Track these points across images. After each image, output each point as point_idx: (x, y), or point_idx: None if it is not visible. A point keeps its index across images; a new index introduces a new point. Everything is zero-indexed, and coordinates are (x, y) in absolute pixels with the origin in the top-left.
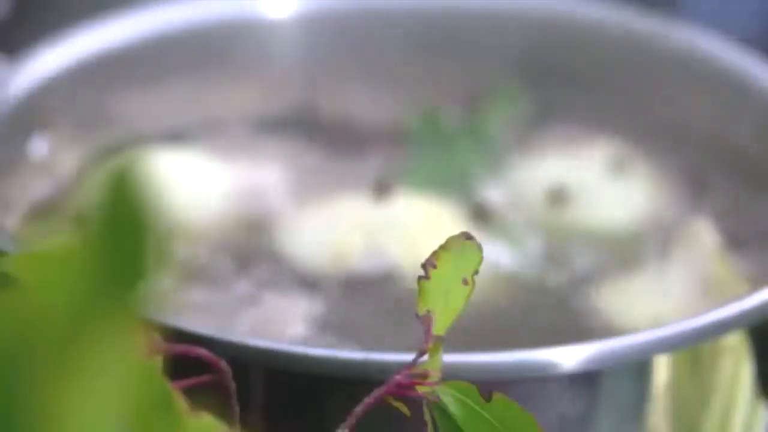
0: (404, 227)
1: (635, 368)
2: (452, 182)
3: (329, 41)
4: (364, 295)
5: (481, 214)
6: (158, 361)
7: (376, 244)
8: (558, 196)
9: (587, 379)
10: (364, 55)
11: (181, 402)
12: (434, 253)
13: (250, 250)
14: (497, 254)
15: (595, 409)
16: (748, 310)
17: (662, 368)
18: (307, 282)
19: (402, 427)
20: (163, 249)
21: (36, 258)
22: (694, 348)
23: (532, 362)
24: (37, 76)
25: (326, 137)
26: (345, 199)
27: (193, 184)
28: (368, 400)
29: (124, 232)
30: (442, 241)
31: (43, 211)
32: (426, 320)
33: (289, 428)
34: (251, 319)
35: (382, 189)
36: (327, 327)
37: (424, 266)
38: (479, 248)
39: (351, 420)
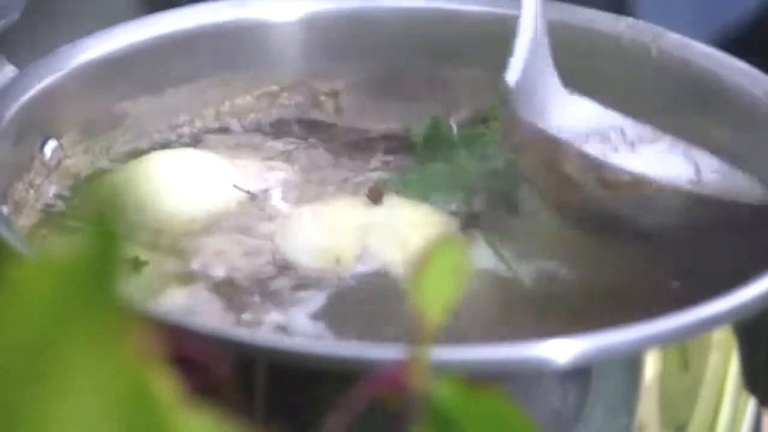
0: (398, 232)
1: (626, 363)
2: (450, 192)
3: (333, 45)
4: (358, 296)
5: (470, 221)
6: (151, 360)
7: (371, 248)
8: None
9: (578, 374)
10: (368, 60)
11: (178, 399)
12: (425, 252)
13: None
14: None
15: (586, 402)
16: (736, 306)
17: (652, 362)
18: (302, 283)
19: (395, 421)
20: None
21: (30, 264)
22: (683, 343)
23: (524, 357)
24: (46, 81)
25: (328, 141)
26: (341, 203)
27: (194, 184)
28: (358, 395)
29: (109, 239)
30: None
31: (53, 215)
32: (417, 316)
33: (286, 423)
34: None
35: (375, 195)
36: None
37: (414, 264)
38: (467, 248)
39: (343, 414)
